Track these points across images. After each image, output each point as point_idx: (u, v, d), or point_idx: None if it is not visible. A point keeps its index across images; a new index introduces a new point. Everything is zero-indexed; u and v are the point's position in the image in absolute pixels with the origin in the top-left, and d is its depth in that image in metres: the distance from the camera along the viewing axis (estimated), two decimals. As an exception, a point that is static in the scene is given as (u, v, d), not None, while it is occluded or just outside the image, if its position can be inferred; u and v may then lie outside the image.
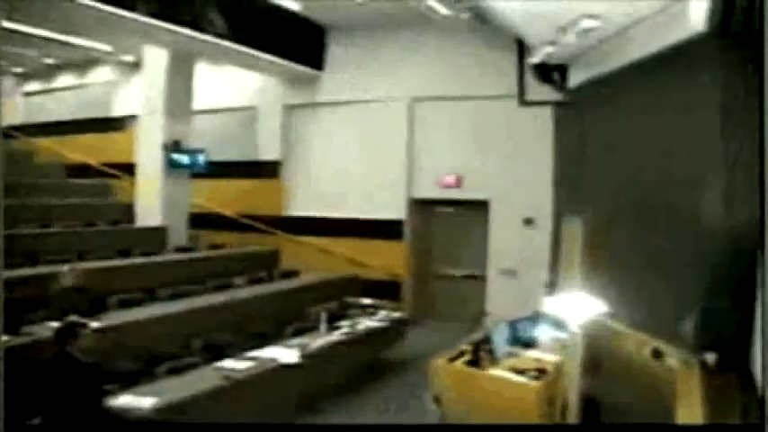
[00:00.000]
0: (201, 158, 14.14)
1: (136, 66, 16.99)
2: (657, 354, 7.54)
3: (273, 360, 8.58)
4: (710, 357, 6.73)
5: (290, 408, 8.58)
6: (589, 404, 7.78)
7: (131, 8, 10.61)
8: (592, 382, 7.97)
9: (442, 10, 11.73)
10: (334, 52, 15.61)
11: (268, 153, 16.45)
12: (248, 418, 7.65)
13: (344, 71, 15.46)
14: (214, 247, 14.21)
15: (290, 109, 16.32)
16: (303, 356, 8.85)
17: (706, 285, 6.98)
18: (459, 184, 14.39)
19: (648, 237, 8.38)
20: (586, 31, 8.84)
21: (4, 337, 6.59)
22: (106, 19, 10.69)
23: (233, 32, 12.78)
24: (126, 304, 9.69)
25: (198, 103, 14.86)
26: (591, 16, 8.46)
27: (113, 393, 6.59)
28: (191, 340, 9.03)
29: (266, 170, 16.38)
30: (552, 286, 11.10)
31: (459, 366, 7.91)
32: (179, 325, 9.37)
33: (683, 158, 7.75)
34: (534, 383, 7.32)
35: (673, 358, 7.27)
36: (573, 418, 7.00)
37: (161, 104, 13.79)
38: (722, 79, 6.98)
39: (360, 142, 15.35)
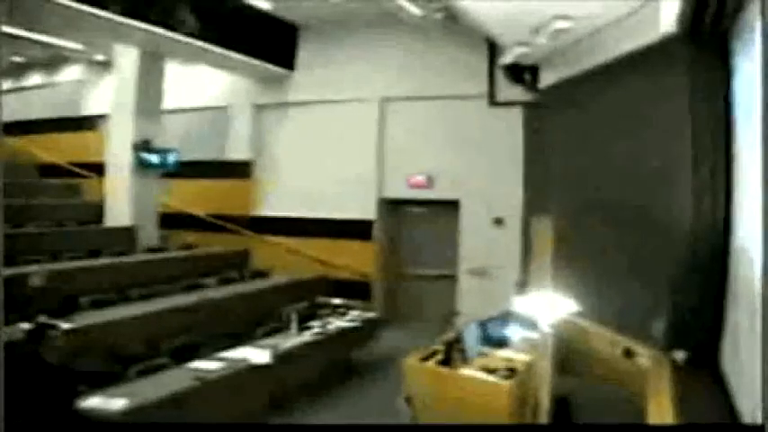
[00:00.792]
0: (171, 158, 14.06)
1: (107, 65, 16.89)
2: (628, 352, 7.61)
3: (244, 361, 8.57)
4: (680, 355, 6.80)
5: (262, 408, 8.58)
6: (561, 403, 7.84)
7: (103, 6, 10.55)
8: (563, 381, 8.03)
9: (414, 10, 11.75)
10: (306, 52, 15.63)
11: (238, 153, 16.42)
12: (220, 419, 7.65)
13: (315, 71, 15.48)
14: (185, 247, 14.15)
15: (260, 109, 16.32)
16: (274, 357, 8.84)
17: (675, 284, 7.05)
18: (429, 184, 14.43)
19: (618, 236, 8.46)
20: (558, 32, 8.89)
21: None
22: (77, 17, 10.64)
23: (204, 31, 12.78)
24: (96, 305, 9.59)
25: (168, 102, 14.79)
26: (563, 17, 8.51)
27: (84, 395, 6.56)
28: (162, 341, 8.98)
29: (236, 170, 16.34)
30: (523, 286, 11.14)
31: (430, 366, 7.92)
32: (150, 326, 9.33)
33: (652, 158, 7.82)
34: (505, 383, 7.34)
35: (643, 357, 7.33)
36: (544, 417, 7.03)
37: (131, 104, 13.67)
38: (691, 80, 7.04)
39: (330, 142, 15.34)
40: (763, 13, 2.06)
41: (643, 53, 7.96)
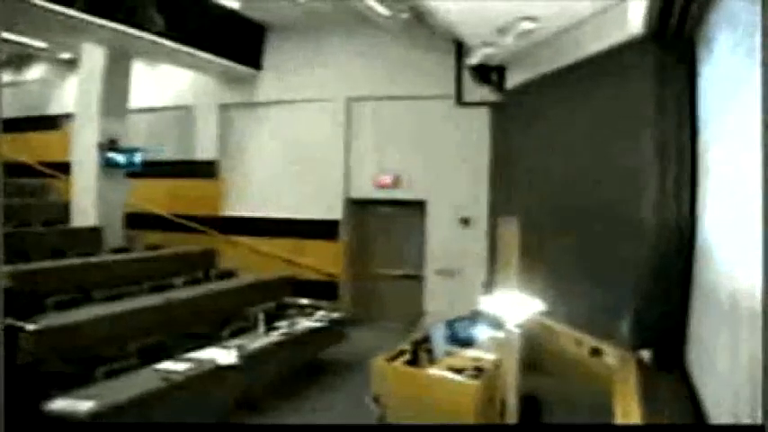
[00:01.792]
0: (137, 158, 13.97)
1: (72, 63, 16.75)
2: (595, 352, 7.67)
3: (212, 361, 8.55)
4: (646, 355, 6.88)
5: (231, 409, 8.57)
6: (530, 402, 7.90)
7: (68, 4, 10.48)
8: (532, 381, 8.08)
9: (382, 10, 11.76)
10: (273, 52, 15.60)
11: (205, 153, 16.35)
12: (188, 420, 7.62)
13: (282, 71, 15.47)
14: (151, 247, 14.06)
15: (227, 108, 16.26)
16: (241, 357, 8.83)
17: (641, 283, 7.12)
18: (395, 184, 14.47)
19: (584, 236, 8.52)
20: (525, 33, 8.94)
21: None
22: (41, 15, 10.54)
23: (171, 30, 12.71)
24: (62, 306, 9.51)
25: (135, 101, 14.71)
26: (529, 18, 8.56)
27: (51, 397, 6.53)
28: (129, 342, 8.93)
29: (203, 170, 16.27)
30: (490, 285, 11.20)
31: (398, 366, 7.97)
32: (116, 327, 9.26)
33: (617, 159, 7.89)
34: (473, 382, 7.39)
35: (610, 356, 7.40)
36: (512, 416, 7.08)
37: (97, 103, 13.52)
38: (657, 82, 7.12)
39: (297, 142, 15.37)
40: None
41: (609, 54, 8.04)
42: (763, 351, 2.05)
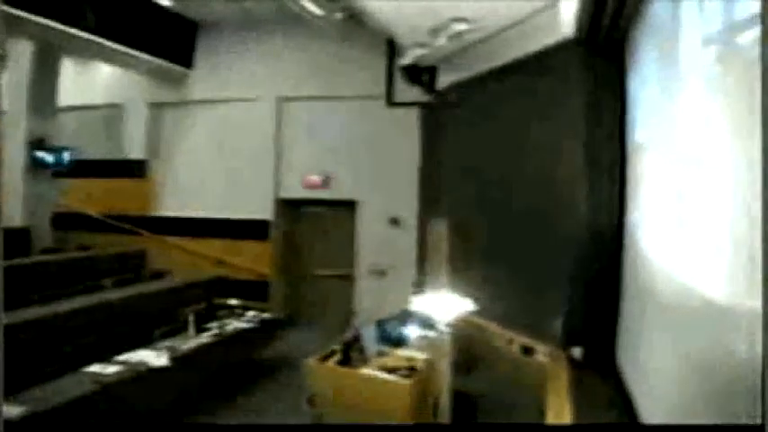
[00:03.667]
0: (66, 157, 13.77)
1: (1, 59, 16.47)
2: (527, 350, 7.78)
3: (143, 363, 8.51)
4: (577, 352, 7.00)
5: (165, 411, 8.53)
6: (464, 400, 8.00)
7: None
8: (467, 379, 8.18)
9: (315, 10, 11.74)
10: (205, 50, 15.50)
11: (134, 152, 16.14)
12: (121, 423, 7.57)
13: (214, 69, 15.41)
14: (81, 248, 13.87)
15: (157, 107, 16.10)
16: (173, 359, 8.79)
17: (572, 282, 7.24)
18: (325, 184, 14.52)
19: (515, 236, 8.62)
20: (457, 34, 9.00)
21: None
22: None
23: (101, 26, 12.51)
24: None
25: (65, 99, 14.52)
26: (461, 20, 8.62)
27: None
28: (59, 345, 8.82)
29: (133, 169, 16.07)
30: (420, 285, 11.26)
31: (330, 366, 8.01)
32: (46, 329, 9.15)
33: (548, 160, 7.99)
34: (405, 382, 7.44)
35: (541, 354, 7.50)
36: (445, 414, 7.16)
37: (24, 100, 13.32)
38: (587, 84, 7.24)
39: (228, 142, 15.32)
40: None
41: (540, 57, 8.15)
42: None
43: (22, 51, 13.32)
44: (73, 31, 12.02)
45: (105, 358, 8.49)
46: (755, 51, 2.72)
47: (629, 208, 6.52)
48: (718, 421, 3.07)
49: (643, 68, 5.94)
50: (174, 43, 14.88)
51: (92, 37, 12.45)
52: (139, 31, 13.65)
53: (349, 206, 14.42)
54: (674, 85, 4.47)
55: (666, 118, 4.67)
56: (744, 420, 2.71)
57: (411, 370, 7.75)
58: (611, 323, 6.72)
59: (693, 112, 3.88)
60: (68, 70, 15.30)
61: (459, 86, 10.60)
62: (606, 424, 4.97)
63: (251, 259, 14.89)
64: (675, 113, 4.38)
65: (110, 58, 14.33)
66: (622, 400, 5.64)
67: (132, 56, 13.83)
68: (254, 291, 14.29)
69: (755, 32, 2.80)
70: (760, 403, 2.12)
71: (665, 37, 4.88)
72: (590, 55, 7.20)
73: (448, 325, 7.11)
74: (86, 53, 14.61)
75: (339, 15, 11.96)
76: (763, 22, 2.19)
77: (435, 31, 9.15)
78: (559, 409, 5.65)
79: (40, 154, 13.28)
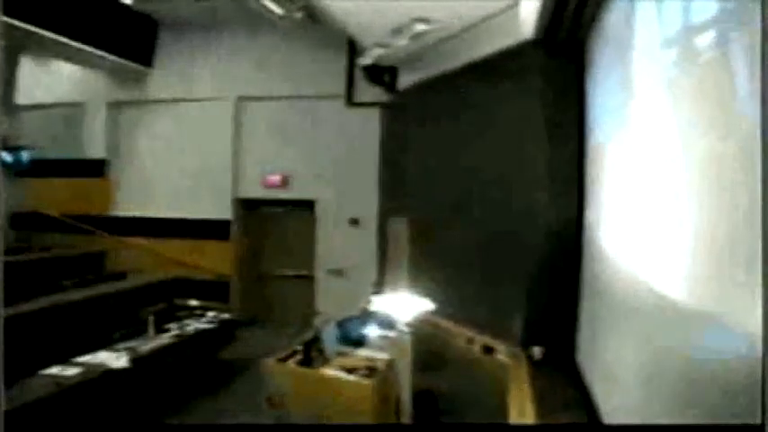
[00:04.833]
0: (25, 156, 13.65)
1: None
2: (488, 350, 7.83)
3: (102, 365, 8.46)
4: (537, 351, 7.06)
5: (126, 412, 8.48)
6: (427, 399, 8.04)
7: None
8: (428, 378, 8.22)
9: (275, 9, 11.71)
10: (166, 49, 15.35)
11: (94, 151, 15.96)
12: (83, 425, 7.53)
13: (174, 68, 15.27)
14: (39, 249, 13.72)
15: (117, 106, 15.89)
16: (132, 360, 8.75)
17: (531, 282, 7.30)
18: (284, 184, 14.48)
19: (474, 237, 8.65)
20: (418, 34, 9.03)
21: None
22: None
23: (60, 24, 12.35)
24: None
25: (23, 98, 14.39)
26: (422, 20, 8.64)
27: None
28: (16, 347, 8.74)
29: (92, 169, 15.87)
30: (379, 286, 11.28)
31: (290, 366, 8.00)
32: (4, 331, 9.05)
33: (507, 160, 8.03)
34: (366, 382, 7.46)
35: (502, 354, 7.55)
36: (407, 413, 7.19)
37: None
38: (547, 84, 7.29)
39: (187, 141, 15.20)
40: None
41: (501, 58, 8.18)
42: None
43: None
44: (30, 28, 11.83)
45: (65, 360, 8.43)
46: (711, 54, 2.77)
47: (588, 208, 6.58)
48: (675, 416, 3.11)
49: (601, 69, 6.00)
50: (134, 42, 14.71)
51: (50, 35, 12.27)
52: (99, 28, 13.44)
53: (309, 206, 14.38)
54: (630, 85, 4.53)
55: (623, 118, 4.72)
56: (701, 417, 2.75)
57: (371, 370, 7.77)
58: (571, 322, 6.78)
59: (650, 113, 3.93)
60: (28, 68, 15.13)
61: (420, 86, 10.60)
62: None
63: (213, 259, 14.78)
64: (632, 113, 4.44)
65: (69, 56, 14.15)
66: (582, 397, 5.69)
67: (90, 53, 13.62)
68: (214, 291, 14.20)
69: (711, 36, 2.85)
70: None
71: (622, 38, 4.93)
72: (550, 56, 7.25)
73: (408, 325, 7.14)
74: (44, 51, 14.45)
75: (299, 15, 11.92)
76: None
77: (396, 32, 9.16)
78: (521, 408, 5.70)
79: (-1, 154, 13.15)
